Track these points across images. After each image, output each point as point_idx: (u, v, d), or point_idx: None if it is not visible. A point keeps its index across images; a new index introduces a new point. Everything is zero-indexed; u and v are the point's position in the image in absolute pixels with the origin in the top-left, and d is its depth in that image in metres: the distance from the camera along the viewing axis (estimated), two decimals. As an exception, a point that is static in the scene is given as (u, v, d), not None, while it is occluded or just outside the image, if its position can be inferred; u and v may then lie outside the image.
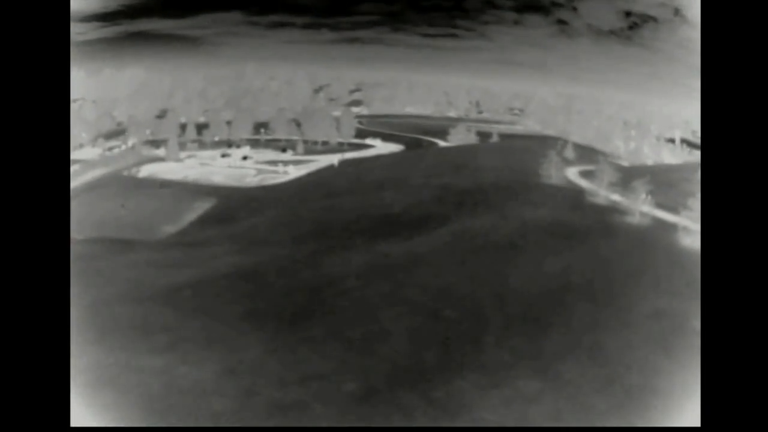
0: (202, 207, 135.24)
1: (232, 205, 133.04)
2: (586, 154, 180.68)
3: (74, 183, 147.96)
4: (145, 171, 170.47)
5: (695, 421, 29.98)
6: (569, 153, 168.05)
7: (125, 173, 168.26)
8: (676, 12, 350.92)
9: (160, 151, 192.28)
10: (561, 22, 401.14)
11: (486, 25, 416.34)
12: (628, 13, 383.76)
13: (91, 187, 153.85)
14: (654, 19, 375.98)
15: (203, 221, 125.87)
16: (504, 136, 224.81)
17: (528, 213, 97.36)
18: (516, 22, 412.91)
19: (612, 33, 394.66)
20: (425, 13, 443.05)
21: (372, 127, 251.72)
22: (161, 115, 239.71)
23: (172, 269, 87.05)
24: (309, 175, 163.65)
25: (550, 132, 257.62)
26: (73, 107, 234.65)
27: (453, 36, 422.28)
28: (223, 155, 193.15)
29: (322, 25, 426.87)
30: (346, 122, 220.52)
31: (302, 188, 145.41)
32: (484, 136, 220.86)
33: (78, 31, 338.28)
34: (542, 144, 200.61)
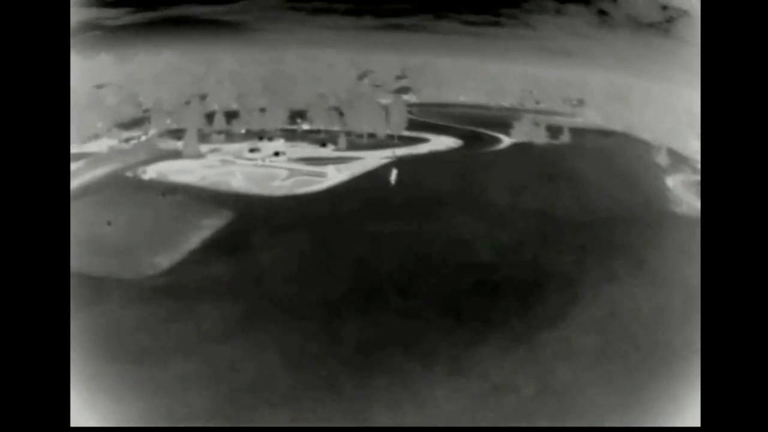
0: (211, 226, 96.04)
1: (250, 226, 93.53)
2: (675, 158, 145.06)
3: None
4: (154, 170, 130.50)
5: (695, 421, 28.59)
6: (663, 158, 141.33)
7: (128, 173, 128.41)
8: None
9: (181, 144, 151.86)
10: (602, 12, 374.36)
11: (528, 14, 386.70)
12: (665, 7, 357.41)
13: (84, 192, 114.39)
14: (687, 13, 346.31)
15: (207, 250, 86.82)
16: (575, 132, 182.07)
17: (689, 275, 57.24)
18: (558, 12, 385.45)
19: (650, 25, 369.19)
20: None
21: (423, 117, 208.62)
22: (190, 101, 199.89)
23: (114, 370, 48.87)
24: (353, 181, 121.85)
25: (615, 126, 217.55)
26: (98, 93, 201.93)
27: (496, 24, 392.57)
28: (252, 150, 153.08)
29: (365, 11, 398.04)
30: (396, 112, 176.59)
31: (343, 201, 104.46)
32: (553, 131, 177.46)
33: (109, 16, 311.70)
34: (631, 145, 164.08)
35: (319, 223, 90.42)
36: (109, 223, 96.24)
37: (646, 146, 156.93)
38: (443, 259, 67.83)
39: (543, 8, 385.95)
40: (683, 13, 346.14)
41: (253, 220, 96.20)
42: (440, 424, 39.76)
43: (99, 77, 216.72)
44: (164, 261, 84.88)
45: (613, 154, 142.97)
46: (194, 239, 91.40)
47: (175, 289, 72.02)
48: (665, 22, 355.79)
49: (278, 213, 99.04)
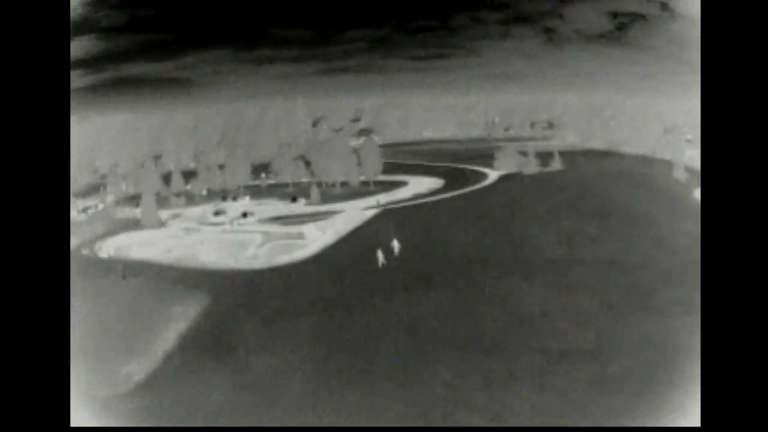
0: (184, 316, 77.85)
1: (232, 314, 74.96)
2: (690, 172, 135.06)
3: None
4: (112, 245, 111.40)
5: (695, 421, 27.82)
6: (680, 174, 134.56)
7: (85, 251, 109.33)
8: (664, 7, 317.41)
9: (139, 211, 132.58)
10: (548, 30, 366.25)
11: (474, 42, 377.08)
12: (615, 15, 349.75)
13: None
14: (643, 17, 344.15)
15: (186, 351, 68.39)
16: (565, 155, 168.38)
17: None
18: (504, 35, 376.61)
19: (601, 36, 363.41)
20: (413, 35, 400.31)
21: (393, 158, 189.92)
22: (144, 163, 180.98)
23: None
24: (342, 243, 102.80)
25: (595, 145, 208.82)
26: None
27: (443, 56, 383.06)
28: (216, 213, 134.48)
29: (311, 56, 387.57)
30: (369, 155, 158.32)
31: (341, 272, 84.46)
32: (543, 158, 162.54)
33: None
34: (638, 163, 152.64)
35: (321, 307, 71.83)
36: (63, 321, 77.20)
37: (656, 163, 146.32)
38: (520, 352, 49.77)
39: (487, 34, 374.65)
40: (638, 17, 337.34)
41: (233, 305, 77.81)
42: None
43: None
44: (138, 371, 66.12)
45: (636, 176, 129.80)
46: (168, 336, 72.85)
47: (159, 414, 53.47)
48: (616, 30, 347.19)
49: (263, 293, 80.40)
